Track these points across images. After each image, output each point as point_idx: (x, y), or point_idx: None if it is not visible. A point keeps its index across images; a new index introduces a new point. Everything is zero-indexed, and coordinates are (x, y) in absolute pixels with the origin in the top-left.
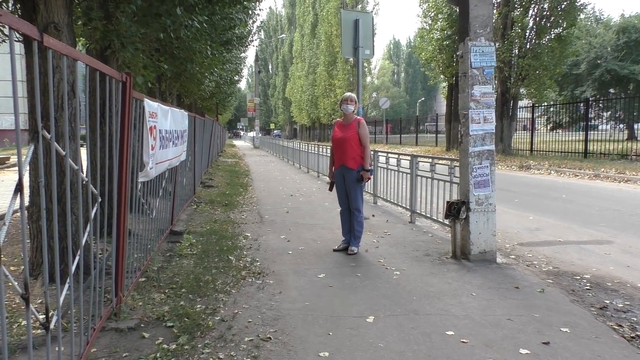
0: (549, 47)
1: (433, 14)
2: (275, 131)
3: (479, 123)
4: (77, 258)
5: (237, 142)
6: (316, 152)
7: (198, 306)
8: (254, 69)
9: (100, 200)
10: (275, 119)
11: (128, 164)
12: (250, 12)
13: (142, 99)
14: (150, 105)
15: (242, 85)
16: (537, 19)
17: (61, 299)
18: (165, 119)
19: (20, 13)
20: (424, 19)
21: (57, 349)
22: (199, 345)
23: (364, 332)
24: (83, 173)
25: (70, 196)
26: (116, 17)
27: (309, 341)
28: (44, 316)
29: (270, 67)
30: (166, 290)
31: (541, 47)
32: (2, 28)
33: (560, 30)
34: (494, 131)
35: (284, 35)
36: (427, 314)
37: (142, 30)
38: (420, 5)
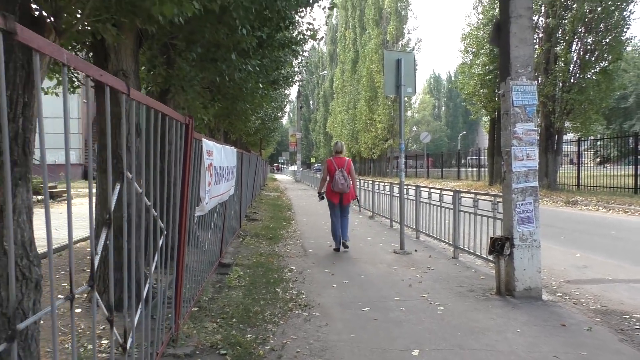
0: (594, 81)
1: (474, 49)
2: (315, 165)
3: (522, 160)
4: (147, 286)
5: (278, 176)
6: (361, 187)
7: (248, 335)
8: (295, 105)
9: (165, 233)
10: (316, 153)
11: (188, 199)
12: (297, 54)
13: (200, 139)
14: (207, 144)
15: (284, 120)
16: (581, 53)
17: (134, 323)
18: (219, 156)
19: (92, 61)
20: (465, 55)
21: None
22: None
23: None
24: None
25: (138, 229)
26: (177, 63)
27: None
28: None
29: (311, 102)
30: (218, 320)
31: (586, 81)
32: (76, 75)
33: (606, 64)
34: (537, 168)
35: (325, 71)
36: (472, 349)
37: (201, 75)
38: (462, 41)
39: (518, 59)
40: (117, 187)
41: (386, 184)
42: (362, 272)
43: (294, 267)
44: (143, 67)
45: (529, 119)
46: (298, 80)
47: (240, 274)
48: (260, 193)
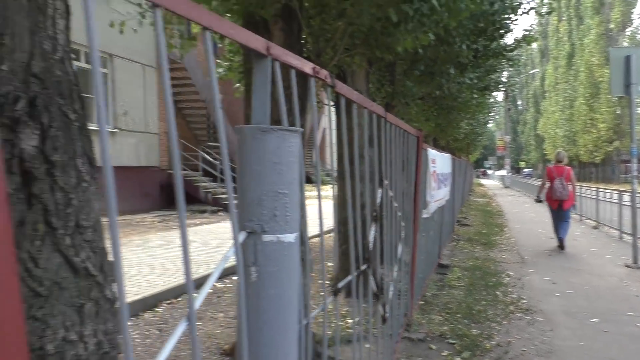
0: None
1: None
2: (525, 170)
3: None
4: (394, 272)
5: (484, 181)
6: (581, 194)
7: (473, 330)
8: (503, 107)
9: (405, 230)
10: (525, 157)
11: (419, 203)
12: (511, 61)
13: (426, 149)
14: (431, 153)
15: (490, 123)
16: None
17: (389, 300)
18: (440, 163)
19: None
20: None
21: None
22: None
23: None
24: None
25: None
26: (401, 81)
27: None
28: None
29: (519, 102)
30: (443, 314)
31: None
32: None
33: None
34: None
35: (536, 69)
36: None
37: (422, 90)
38: None
39: None
40: (380, 191)
41: (614, 191)
42: (587, 284)
43: (511, 273)
44: (371, 85)
45: None
46: (508, 84)
47: (458, 275)
48: (469, 199)
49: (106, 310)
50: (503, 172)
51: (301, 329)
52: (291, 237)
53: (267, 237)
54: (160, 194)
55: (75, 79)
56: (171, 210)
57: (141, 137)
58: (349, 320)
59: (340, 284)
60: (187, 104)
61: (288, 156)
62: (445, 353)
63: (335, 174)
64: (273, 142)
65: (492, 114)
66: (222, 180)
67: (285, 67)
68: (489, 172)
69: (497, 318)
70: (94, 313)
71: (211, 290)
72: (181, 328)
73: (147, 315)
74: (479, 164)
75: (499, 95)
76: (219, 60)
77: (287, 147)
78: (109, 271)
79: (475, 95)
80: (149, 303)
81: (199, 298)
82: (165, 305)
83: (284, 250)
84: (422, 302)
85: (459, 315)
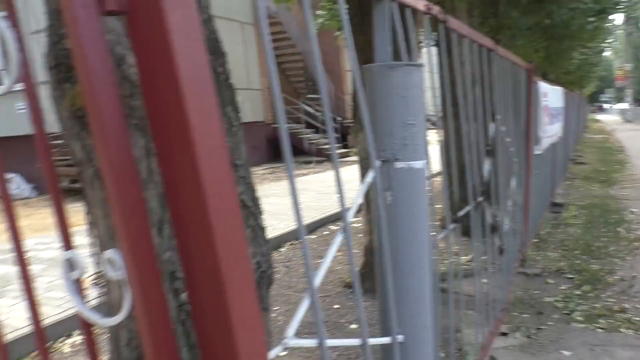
0: None
1: None
2: None
3: None
4: (508, 208)
5: (600, 117)
6: None
7: (593, 266)
8: (624, 31)
9: (519, 166)
10: None
11: (532, 137)
12: None
13: (537, 82)
14: (543, 86)
15: (607, 51)
16: None
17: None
18: (552, 98)
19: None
20: None
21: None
22: (602, 295)
23: None
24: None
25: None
26: (506, 12)
27: None
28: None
29: None
30: (559, 250)
31: None
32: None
33: None
34: None
35: None
36: None
37: (530, 21)
38: None
39: None
40: (492, 126)
41: None
42: None
43: (636, 210)
44: (474, 22)
45: None
46: (629, 4)
47: (575, 213)
48: (583, 136)
49: (260, 237)
50: (623, 105)
51: (430, 245)
52: (420, 164)
53: (399, 164)
54: (267, 148)
55: (218, 37)
56: (279, 163)
57: (245, 94)
58: (462, 258)
59: (460, 213)
60: (284, 57)
61: (413, 89)
62: (563, 287)
63: (437, 117)
64: (399, 77)
65: (609, 41)
66: (324, 132)
67: (401, 7)
68: (606, 106)
69: (619, 254)
70: (251, 238)
71: (327, 232)
72: (338, 238)
73: (273, 254)
74: (593, 99)
75: (618, 19)
76: (318, 12)
77: (411, 80)
78: (258, 204)
79: (591, 19)
80: (274, 244)
81: (350, 212)
82: (288, 246)
83: (413, 175)
84: (536, 240)
85: (576, 252)
